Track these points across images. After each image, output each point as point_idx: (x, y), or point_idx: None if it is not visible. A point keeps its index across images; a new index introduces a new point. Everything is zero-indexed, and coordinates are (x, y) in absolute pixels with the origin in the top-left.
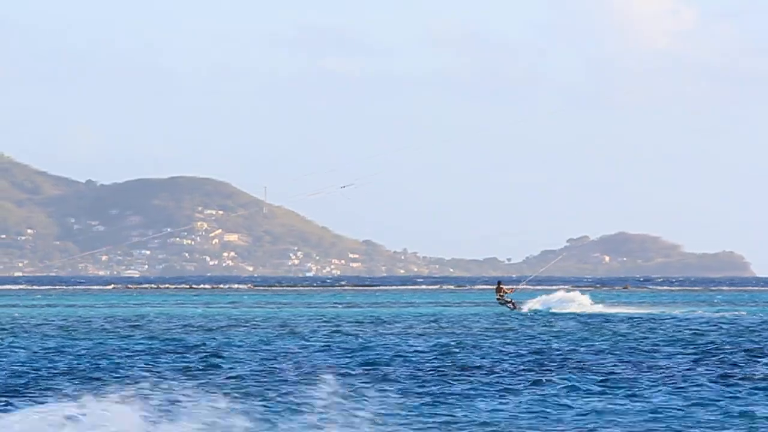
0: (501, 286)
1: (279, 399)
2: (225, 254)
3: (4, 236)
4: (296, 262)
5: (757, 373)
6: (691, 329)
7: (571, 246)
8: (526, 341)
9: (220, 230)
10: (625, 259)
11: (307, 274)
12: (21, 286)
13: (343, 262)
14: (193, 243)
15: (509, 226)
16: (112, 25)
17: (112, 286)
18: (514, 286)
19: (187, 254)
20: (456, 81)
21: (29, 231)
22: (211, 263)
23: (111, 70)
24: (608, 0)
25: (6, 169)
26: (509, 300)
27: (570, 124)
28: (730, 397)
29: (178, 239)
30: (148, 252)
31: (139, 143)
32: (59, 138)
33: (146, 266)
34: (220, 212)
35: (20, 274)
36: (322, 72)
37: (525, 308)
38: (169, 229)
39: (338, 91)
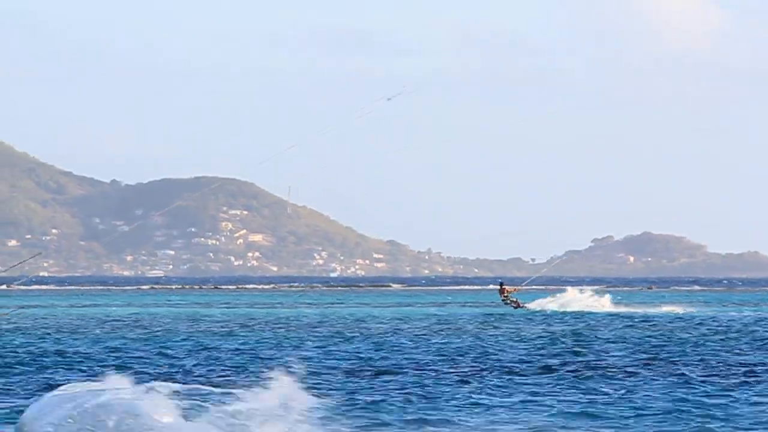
0: (504, 287)
1: None
2: (249, 254)
3: (29, 236)
4: (320, 262)
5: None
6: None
7: (595, 246)
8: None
9: (244, 230)
10: (649, 259)
11: (332, 275)
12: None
13: (367, 262)
14: (217, 243)
15: (534, 226)
16: (138, 24)
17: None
18: (517, 287)
19: (211, 254)
20: (467, 80)
21: (54, 231)
22: (236, 263)
23: (136, 70)
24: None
25: (31, 169)
26: (514, 299)
27: (592, 123)
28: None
29: (202, 239)
30: (172, 252)
31: (163, 143)
32: (84, 138)
33: (171, 266)
34: (245, 212)
35: (45, 274)
36: (344, 72)
37: (532, 306)
38: (193, 229)
39: (357, 92)
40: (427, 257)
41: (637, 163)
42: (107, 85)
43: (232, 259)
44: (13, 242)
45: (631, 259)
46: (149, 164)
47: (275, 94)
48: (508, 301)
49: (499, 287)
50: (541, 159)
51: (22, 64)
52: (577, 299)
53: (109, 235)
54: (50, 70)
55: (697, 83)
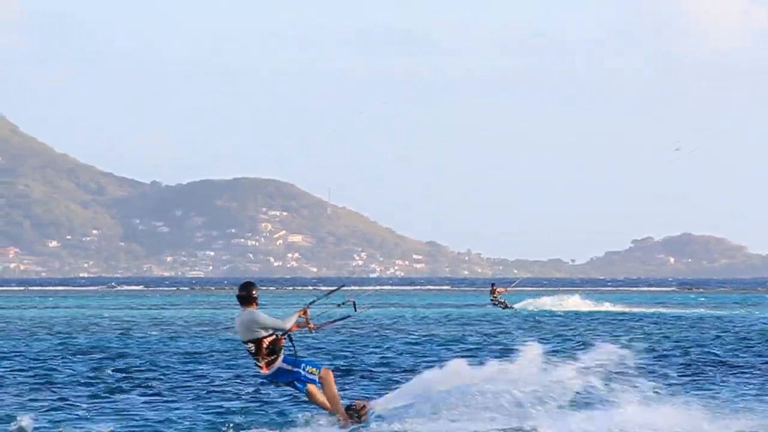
0: (495, 288)
1: None
2: (289, 255)
3: (69, 237)
4: (360, 263)
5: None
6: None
7: (635, 247)
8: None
9: (284, 231)
10: (689, 260)
11: (371, 275)
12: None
13: (406, 263)
14: (257, 244)
15: (575, 226)
16: (178, 27)
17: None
18: (507, 287)
19: (251, 255)
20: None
21: (94, 232)
22: (276, 264)
23: (176, 71)
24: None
25: (71, 170)
26: (502, 300)
27: (636, 124)
28: None
29: (242, 240)
30: (212, 253)
31: (203, 144)
32: (124, 139)
33: (210, 267)
34: (284, 213)
35: (85, 275)
36: (384, 73)
37: (516, 307)
38: (233, 230)
39: (396, 92)
40: (466, 258)
41: (678, 164)
42: (148, 86)
43: (272, 259)
44: (53, 243)
45: (671, 260)
46: (189, 165)
47: (315, 95)
48: (497, 302)
49: (490, 288)
50: (583, 160)
51: (64, 66)
52: (552, 301)
53: (149, 235)
54: (91, 73)
55: (739, 83)
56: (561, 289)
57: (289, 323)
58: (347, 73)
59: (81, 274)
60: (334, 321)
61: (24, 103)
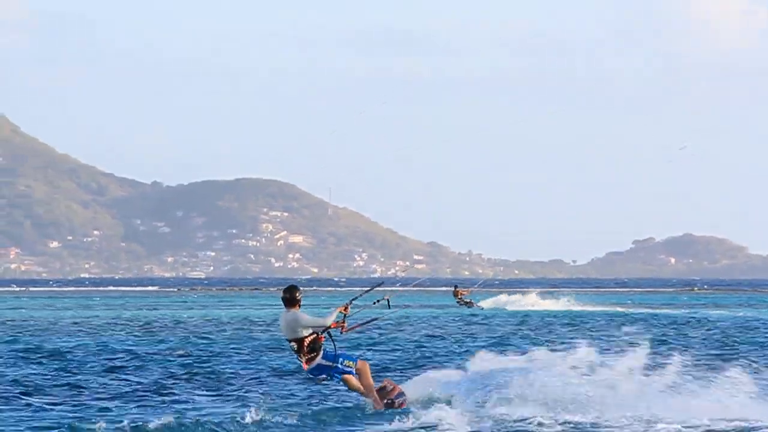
0: (458, 289)
1: None
2: (290, 256)
3: (70, 237)
4: (361, 263)
5: None
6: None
7: (636, 248)
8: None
9: (285, 231)
10: (690, 260)
11: (372, 276)
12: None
13: (407, 263)
14: (258, 244)
15: (576, 227)
16: (178, 27)
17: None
18: (471, 288)
19: (252, 256)
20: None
21: (95, 232)
22: (276, 265)
23: (177, 71)
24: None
25: (72, 170)
26: (467, 300)
27: (636, 124)
28: None
29: (243, 241)
30: (213, 253)
31: (204, 145)
32: (125, 140)
33: (211, 268)
34: (285, 214)
35: (86, 275)
36: (384, 73)
37: (483, 305)
38: (234, 231)
39: (396, 92)
40: (467, 259)
41: (679, 164)
42: (149, 86)
43: (273, 260)
44: (54, 243)
45: (672, 260)
46: (190, 165)
47: (315, 95)
48: (462, 302)
49: (453, 289)
50: (584, 160)
51: (65, 66)
52: (511, 300)
53: (150, 236)
54: (92, 73)
55: (741, 83)
56: (521, 289)
57: (329, 320)
58: (347, 73)
59: (82, 275)
60: (363, 324)
61: (25, 103)
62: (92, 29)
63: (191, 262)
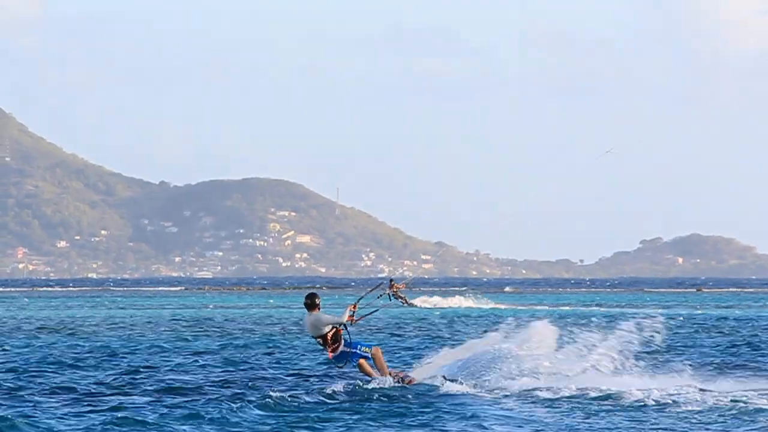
0: (393, 283)
1: None
2: (297, 255)
3: (78, 237)
4: (368, 263)
5: None
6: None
7: (644, 247)
8: None
9: (292, 231)
10: (698, 260)
11: (380, 276)
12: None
13: (415, 263)
14: (265, 244)
15: (583, 226)
16: (186, 27)
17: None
18: (404, 283)
19: (259, 255)
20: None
21: (103, 232)
22: (284, 264)
23: (185, 71)
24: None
25: (80, 170)
26: (402, 296)
27: (645, 123)
28: None
29: (250, 240)
30: (220, 253)
31: (211, 145)
32: (133, 140)
33: (219, 267)
34: (293, 213)
35: (94, 275)
36: (391, 74)
37: (417, 303)
38: (241, 230)
39: (401, 92)
40: (475, 258)
41: (687, 164)
42: (157, 87)
43: (280, 260)
44: (62, 243)
45: (680, 260)
46: (197, 165)
47: (322, 95)
48: (397, 297)
49: (389, 283)
50: (590, 160)
51: (73, 66)
52: (445, 300)
53: (158, 235)
54: (100, 73)
55: (739, 84)
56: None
57: (344, 317)
58: (353, 74)
59: (89, 275)
60: (365, 315)
61: (33, 103)
62: (99, 29)
63: (199, 262)
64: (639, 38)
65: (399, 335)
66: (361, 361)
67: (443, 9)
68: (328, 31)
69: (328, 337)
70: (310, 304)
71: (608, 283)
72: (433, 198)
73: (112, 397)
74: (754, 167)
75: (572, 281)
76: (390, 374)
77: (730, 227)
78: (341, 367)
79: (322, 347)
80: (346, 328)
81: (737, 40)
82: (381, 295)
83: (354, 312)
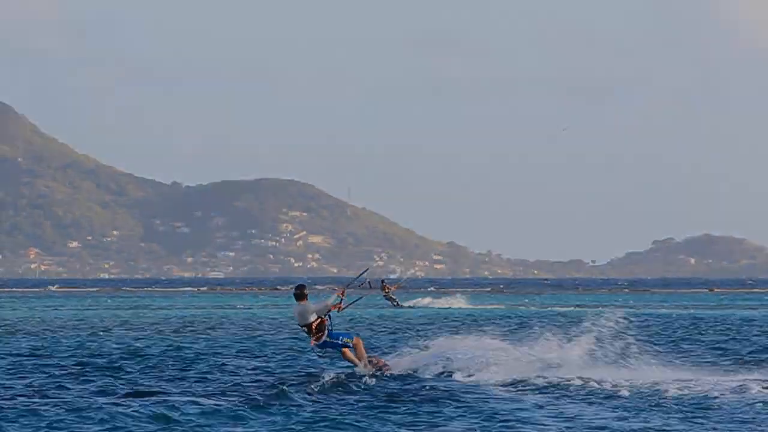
0: (385, 284)
1: None
2: (309, 256)
3: (90, 238)
4: (380, 263)
5: None
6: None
7: (656, 248)
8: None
9: (304, 232)
10: (710, 261)
11: (391, 276)
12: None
13: (427, 263)
14: (277, 245)
15: (595, 227)
16: (200, 27)
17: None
18: (397, 285)
19: (271, 256)
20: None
21: (115, 233)
22: (296, 265)
23: (197, 72)
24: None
25: (92, 171)
26: (393, 297)
27: (659, 125)
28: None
29: (262, 241)
30: (232, 254)
31: (223, 145)
32: (145, 140)
33: (231, 268)
34: (305, 214)
35: (106, 275)
36: (401, 75)
37: (406, 305)
38: (253, 231)
39: (409, 94)
40: (486, 259)
41: (698, 165)
42: (168, 87)
43: (292, 260)
44: (74, 243)
45: (692, 261)
46: (209, 166)
47: (333, 96)
48: (389, 298)
49: (381, 285)
50: (603, 161)
51: (84, 67)
52: (429, 301)
53: (169, 236)
54: (112, 73)
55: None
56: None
57: (330, 301)
58: (365, 74)
59: (101, 275)
60: (352, 303)
61: (45, 104)
62: (110, 30)
63: (211, 263)
64: (653, 39)
65: (372, 330)
66: (345, 349)
67: (455, 11)
68: (341, 32)
69: (314, 327)
70: (299, 294)
71: (609, 284)
72: (444, 198)
73: (152, 397)
74: (765, 168)
75: (577, 282)
76: (370, 361)
77: (741, 228)
78: (321, 355)
79: (308, 335)
80: (330, 319)
81: (751, 40)
82: (361, 284)
83: (342, 299)
